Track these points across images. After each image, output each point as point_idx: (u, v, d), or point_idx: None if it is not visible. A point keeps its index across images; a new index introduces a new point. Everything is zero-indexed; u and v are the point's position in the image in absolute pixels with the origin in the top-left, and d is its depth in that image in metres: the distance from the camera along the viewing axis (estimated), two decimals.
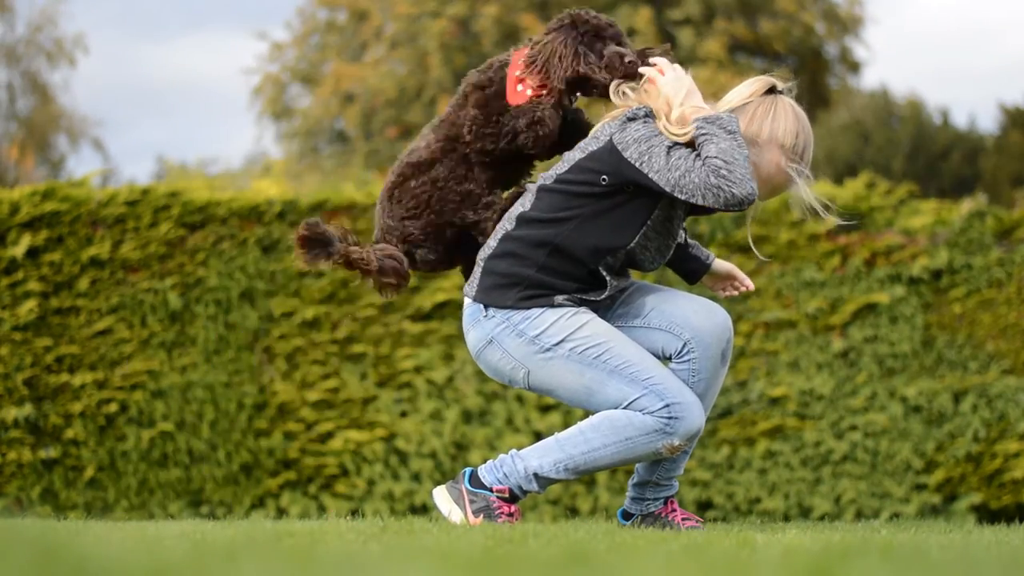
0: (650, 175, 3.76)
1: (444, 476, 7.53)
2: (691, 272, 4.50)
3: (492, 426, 7.56)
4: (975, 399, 7.59)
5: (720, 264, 4.56)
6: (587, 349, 3.86)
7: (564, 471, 3.86)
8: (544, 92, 3.85)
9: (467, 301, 3.95)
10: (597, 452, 3.85)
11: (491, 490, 3.86)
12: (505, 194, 3.96)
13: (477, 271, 3.92)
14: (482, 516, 3.84)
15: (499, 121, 3.85)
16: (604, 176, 3.80)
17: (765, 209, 7.78)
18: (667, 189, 3.76)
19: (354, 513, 6.59)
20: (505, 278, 3.87)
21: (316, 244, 3.85)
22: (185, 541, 2.94)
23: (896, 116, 27.27)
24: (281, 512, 7.39)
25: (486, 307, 3.89)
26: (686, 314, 4.08)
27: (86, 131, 30.16)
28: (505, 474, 3.87)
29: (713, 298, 5.23)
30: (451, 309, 7.64)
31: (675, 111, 3.88)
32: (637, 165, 3.77)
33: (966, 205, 7.95)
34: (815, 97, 28.87)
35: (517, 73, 3.85)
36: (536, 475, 3.86)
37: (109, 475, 7.37)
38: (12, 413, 7.29)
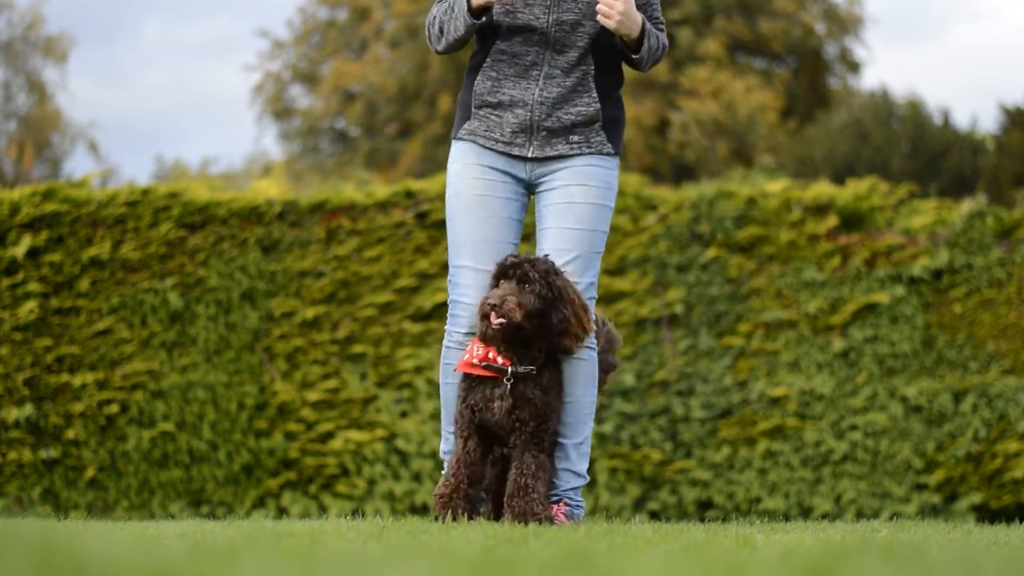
0: None
1: None
2: None
3: None
4: (975, 399, 7.59)
5: None
6: None
7: None
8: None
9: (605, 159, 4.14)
10: None
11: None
12: None
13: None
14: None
15: None
16: None
17: (765, 209, 7.78)
18: None
19: (354, 513, 6.60)
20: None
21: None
22: (185, 541, 2.94)
23: (896, 116, 27.27)
24: (282, 512, 7.39)
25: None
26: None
27: (82, 133, 30.16)
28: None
29: None
30: None
31: None
32: None
33: (966, 205, 7.95)
34: (815, 97, 28.88)
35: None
36: None
37: (110, 475, 7.37)
38: (13, 413, 7.29)
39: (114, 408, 7.36)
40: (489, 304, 3.83)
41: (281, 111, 30.03)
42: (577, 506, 4.09)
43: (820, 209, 7.81)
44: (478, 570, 1.82)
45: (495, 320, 3.82)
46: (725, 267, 7.71)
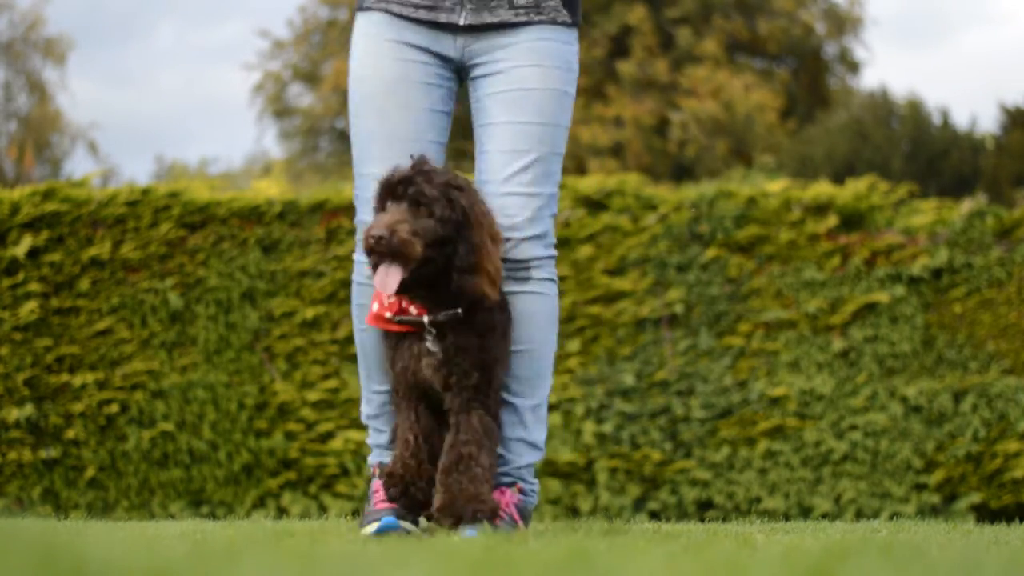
0: None
1: None
2: None
3: None
4: (975, 399, 7.59)
5: None
6: None
7: None
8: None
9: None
10: None
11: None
12: None
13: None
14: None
15: None
16: None
17: (765, 209, 7.78)
18: None
19: (355, 513, 6.59)
20: None
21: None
22: (185, 541, 2.94)
23: (895, 116, 27.28)
24: (282, 512, 7.39)
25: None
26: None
27: (82, 133, 30.18)
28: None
29: None
30: None
31: None
32: None
33: (966, 205, 7.95)
34: (815, 97, 28.87)
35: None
36: None
37: (110, 475, 7.38)
38: (13, 413, 7.29)
39: (114, 408, 7.36)
40: (373, 236, 2.89)
41: (281, 111, 30.05)
42: (531, 491, 3.28)
43: (820, 209, 7.81)
44: (478, 570, 1.82)
45: (386, 273, 2.90)
46: (725, 267, 7.71)
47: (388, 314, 3.06)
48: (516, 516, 3.21)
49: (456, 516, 3.01)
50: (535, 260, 3.12)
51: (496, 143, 3.13)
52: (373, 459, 3.38)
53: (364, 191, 3.20)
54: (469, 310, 3.03)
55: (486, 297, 2.98)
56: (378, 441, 3.34)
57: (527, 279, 3.13)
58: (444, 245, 2.95)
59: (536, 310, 3.16)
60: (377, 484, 3.25)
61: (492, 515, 3.03)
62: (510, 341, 3.13)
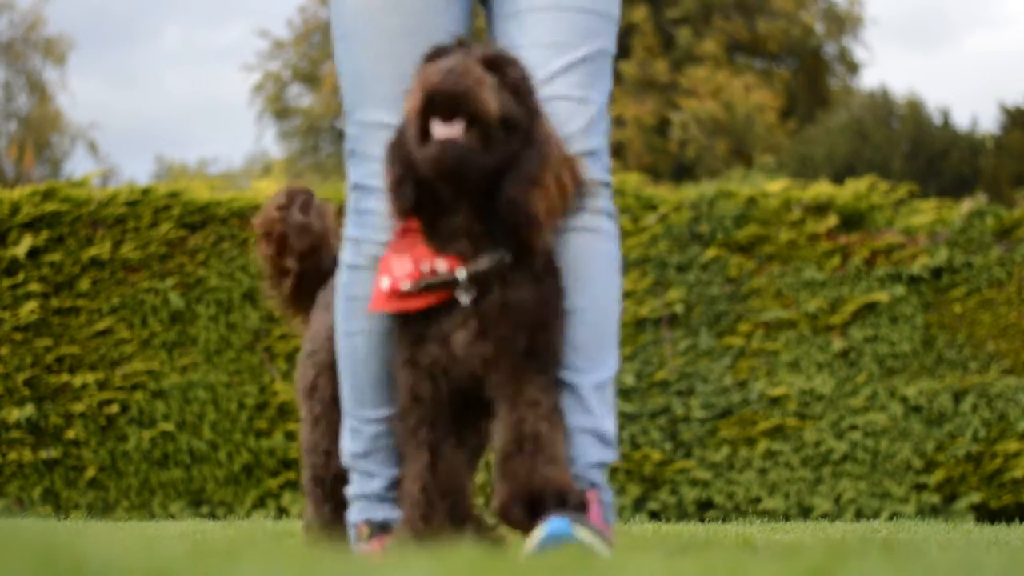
0: None
1: None
2: None
3: None
4: (975, 399, 7.59)
5: None
6: None
7: None
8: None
9: None
10: None
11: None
12: None
13: None
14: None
15: None
16: None
17: (765, 209, 7.78)
18: None
19: None
20: None
21: None
22: (185, 541, 2.94)
23: (896, 116, 27.27)
24: (282, 512, 7.39)
25: None
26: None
27: (82, 133, 30.19)
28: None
29: None
30: None
31: None
32: None
33: (966, 204, 7.95)
34: (815, 97, 28.88)
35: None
36: None
37: (110, 475, 7.37)
38: (13, 413, 7.29)
39: (114, 408, 7.36)
40: (439, 71, 2.03)
41: (281, 111, 30.06)
42: (609, 504, 2.37)
43: (820, 209, 7.81)
44: (478, 571, 1.82)
45: (446, 130, 2.01)
46: (725, 267, 7.71)
47: (407, 283, 2.17)
48: (607, 531, 2.27)
49: (534, 502, 2.15)
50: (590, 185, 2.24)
51: (533, 34, 2.30)
52: (357, 515, 2.48)
53: (362, 144, 2.35)
54: (517, 254, 2.17)
55: (536, 226, 2.12)
56: (366, 490, 2.44)
57: (579, 210, 2.23)
58: (510, 134, 2.10)
59: (595, 252, 2.26)
60: (367, 547, 2.41)
61: (582, 506, 2.20)
62: (563, 303, 2.24)
